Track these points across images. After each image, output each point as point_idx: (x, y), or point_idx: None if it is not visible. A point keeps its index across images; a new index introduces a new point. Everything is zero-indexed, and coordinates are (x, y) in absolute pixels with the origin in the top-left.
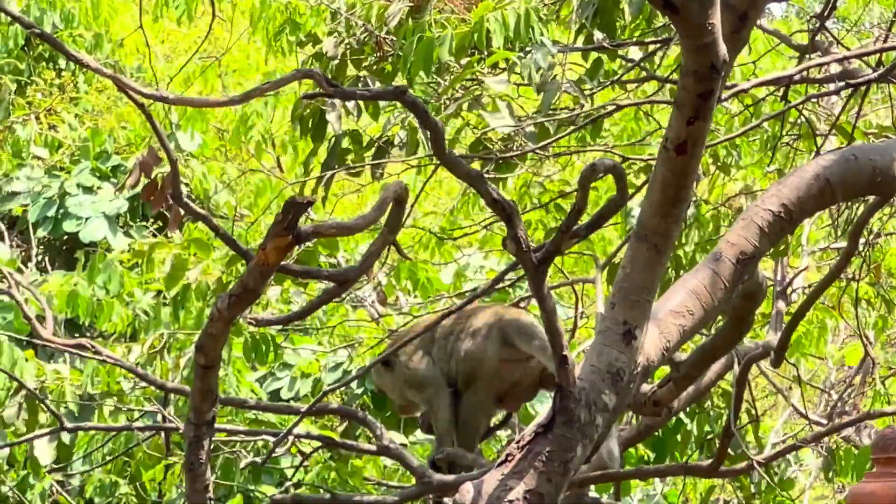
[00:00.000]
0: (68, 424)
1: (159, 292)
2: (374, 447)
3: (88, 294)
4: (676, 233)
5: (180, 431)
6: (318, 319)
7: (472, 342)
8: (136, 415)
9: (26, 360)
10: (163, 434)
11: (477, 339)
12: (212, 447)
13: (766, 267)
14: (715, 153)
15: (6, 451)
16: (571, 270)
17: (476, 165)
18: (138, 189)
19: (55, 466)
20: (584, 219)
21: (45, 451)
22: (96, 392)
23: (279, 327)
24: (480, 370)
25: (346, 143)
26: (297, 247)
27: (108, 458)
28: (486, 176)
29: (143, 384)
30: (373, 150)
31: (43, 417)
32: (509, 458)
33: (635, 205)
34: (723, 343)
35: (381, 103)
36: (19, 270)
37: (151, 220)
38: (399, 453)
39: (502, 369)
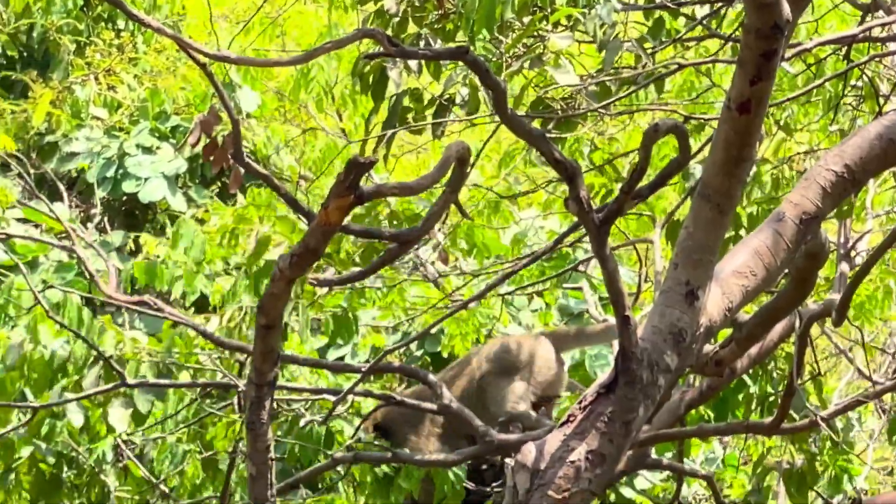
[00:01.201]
0: (130, 380)
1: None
2: (434, 406)
3: (171, 267)
4: (740, 192)
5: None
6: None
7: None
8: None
9: (103, 326)
10: (235, 399)
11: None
12: (273, 408)
13: (830, 231)
14: (776, 114)
15: (82, 418)
16: (635, 234)
17: (537, 125)
18: (198, 149)
19: (128, 434)
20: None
21: (119, 419)
22: (173, 362)
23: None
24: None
25: (406, 101)
26: (358, 206)
27: (181, 424)
28: (547, 136)
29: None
30: (434, 108)
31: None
32: (571, 419)
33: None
34: (785, 304)
35: (443, 61)
36: None
37: (211, 180)
38: (460, 411)
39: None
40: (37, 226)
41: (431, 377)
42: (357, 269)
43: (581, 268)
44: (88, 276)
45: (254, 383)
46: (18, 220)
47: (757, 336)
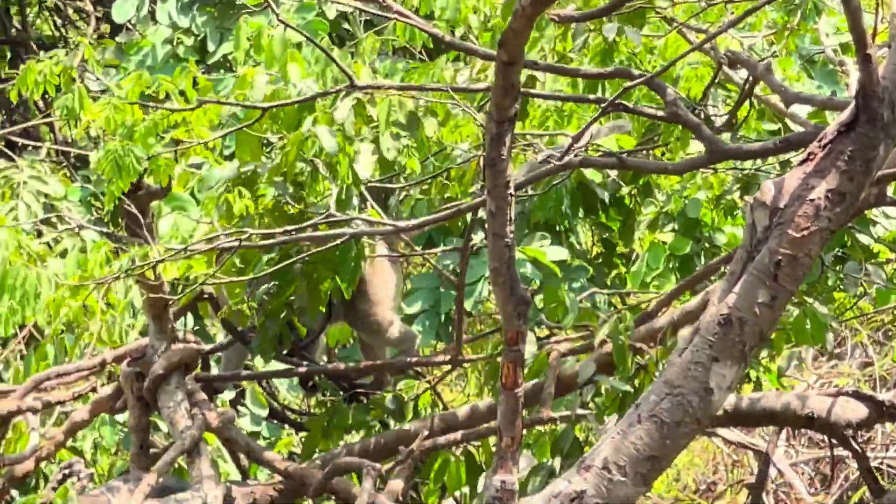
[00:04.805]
0: (358, 82)
1: None
2: (662, 112)
3: None
4: None
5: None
6: None
7: None
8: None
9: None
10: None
11: None
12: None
13: None
14: None
15: (335, 144)
16: None
17: None
18: None
19: (373, 181)
20: None
21: (365, 165)
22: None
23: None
24: None
25: None
26: None
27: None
28: None
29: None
30: None
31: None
32: (811, 157)
33: None
34: None
35: None
36: None
37: None
38: (687, 119)
39: None
40: None
41: (669, 89)
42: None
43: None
44: None
45: (494, 120)
46: None
47: None
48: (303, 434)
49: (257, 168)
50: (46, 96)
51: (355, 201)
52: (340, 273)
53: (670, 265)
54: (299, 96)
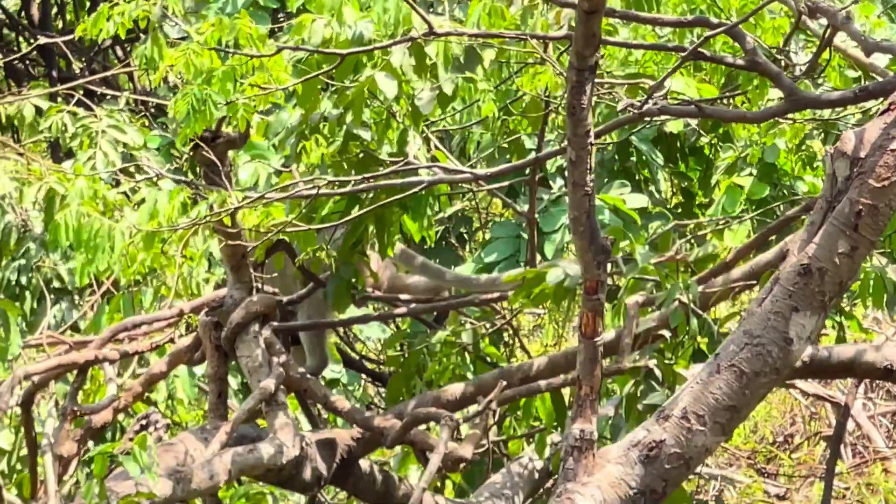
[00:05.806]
0: (438, 28)
1: None
2: (741, 61)
3: None
4: None
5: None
6: None
7: None
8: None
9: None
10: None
11: None
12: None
13: None
14: None
15: (394, 88)
16: None
17: None
18: None
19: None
20: None
21: (426, 104)
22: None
23: None
24: None
25: None
26: None
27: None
28: None
29: None
30: None
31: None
32: (892, 107)
33: None
34: None
35: None
36: None
37: None
38: (766, 67)
39: None
40: None
41: (749, 38)
42: None
43: None
44: None
45: (574, 68)
46: None
47: None
48: (379, 385)
49: (325, 115)
50: (126, 45)
51: (418, 141)
52: (413, 213)
53: (746, 209)
54: (355, 37)
